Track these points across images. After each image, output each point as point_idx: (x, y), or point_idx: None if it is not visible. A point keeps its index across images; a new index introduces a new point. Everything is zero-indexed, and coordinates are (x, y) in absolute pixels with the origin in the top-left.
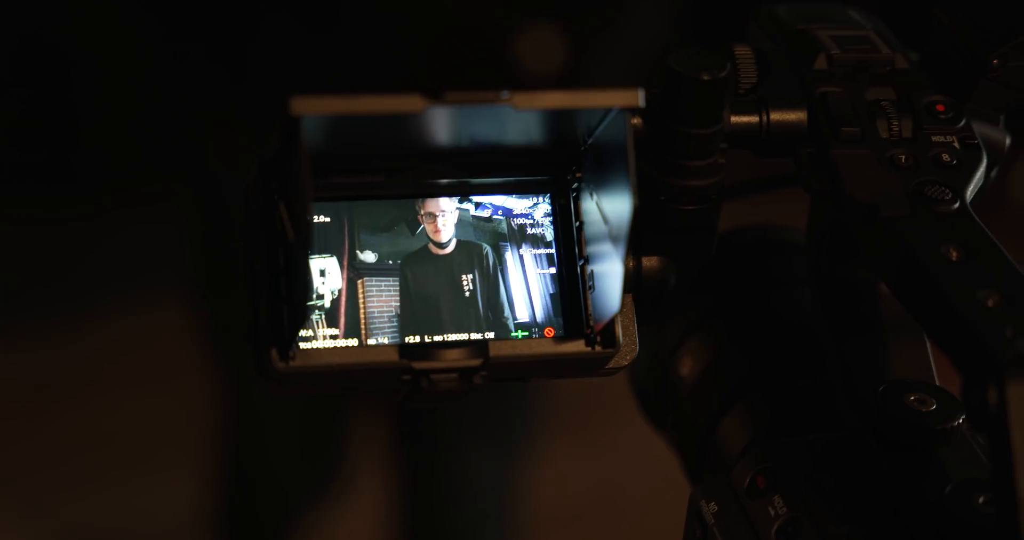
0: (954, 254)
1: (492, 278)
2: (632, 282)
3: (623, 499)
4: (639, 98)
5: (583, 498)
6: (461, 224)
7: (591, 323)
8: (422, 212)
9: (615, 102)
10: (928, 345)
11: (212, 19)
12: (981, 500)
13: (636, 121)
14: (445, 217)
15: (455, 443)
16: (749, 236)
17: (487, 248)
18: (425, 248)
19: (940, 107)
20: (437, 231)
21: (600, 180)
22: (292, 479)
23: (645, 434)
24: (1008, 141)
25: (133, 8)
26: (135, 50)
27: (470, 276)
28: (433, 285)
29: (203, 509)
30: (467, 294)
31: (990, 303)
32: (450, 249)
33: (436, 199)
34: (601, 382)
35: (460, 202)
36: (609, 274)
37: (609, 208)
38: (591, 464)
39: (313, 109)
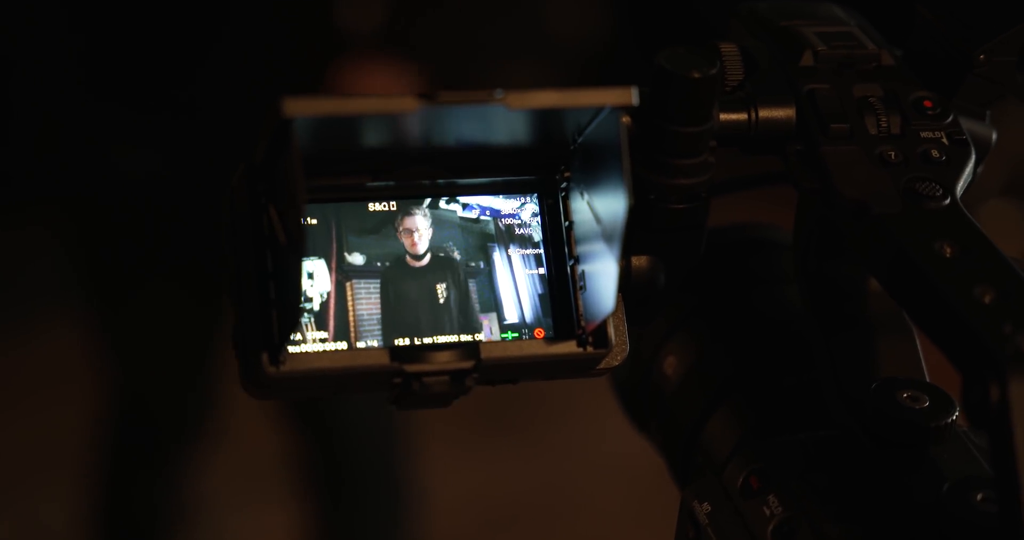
0: (948, 251)
1: (464, 287)
2: (621, 282)
3: (564, 499)
4: (633, 96)
5: (523, 498)
6: (448, 225)
7: (582, 323)
8: (400, 228)
9: (608, 101)
10: (918, 342)
11: (100, 25)
12: (980, 497)
13: (625, 120)
14: (420, 233)
15: (393, 444)
16: (730, 235)
17: (459, 262)
18: (404, 257)
19: (927, 103)
20: (414, 244)
21: (591, 179)
22: (202, 492)
23: (587, 432)
24: (994, 136)
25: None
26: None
27: (443, 285)
28: (414, 293)
29: (93, 523)
30: (441, 300)
31: (987, 299)
32: (425, 262)
33: (413, 216)
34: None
35: (447, 203)
36: (602, 274)
37: (602, 208)
38: (534, 464)
39: (305, 110)
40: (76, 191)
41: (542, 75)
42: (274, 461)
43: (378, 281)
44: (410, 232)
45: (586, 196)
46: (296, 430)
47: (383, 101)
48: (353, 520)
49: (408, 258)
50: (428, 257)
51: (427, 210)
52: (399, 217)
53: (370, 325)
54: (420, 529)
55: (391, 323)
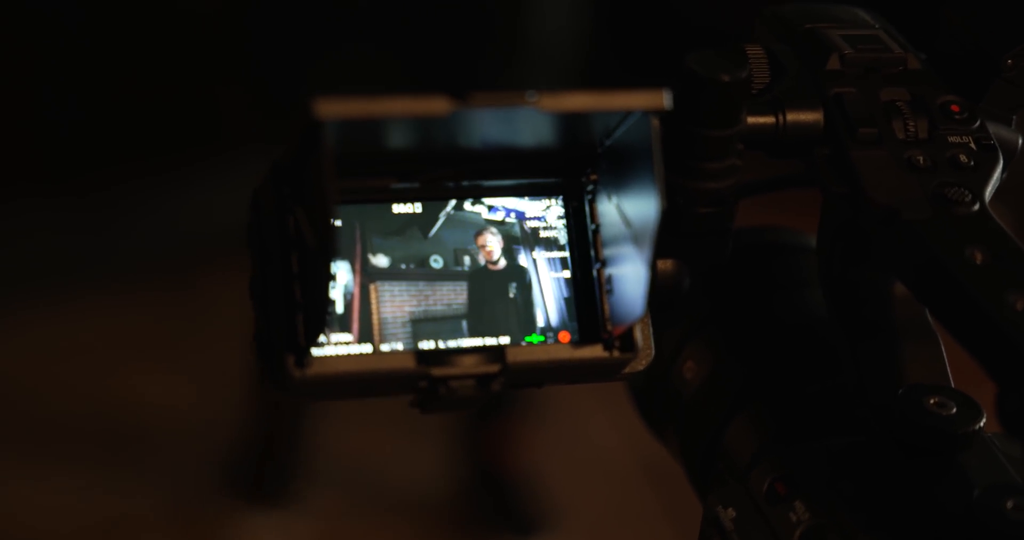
0: (979, 257)
1: (527, 289)
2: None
3: (557, 494)
4: (666, 100)
5: (517, 493)
6: (473, 227)
7: (608, 327)
8: (477, 244)
9: (641, 104)
10: (943, 348)
11: None
12: (1011, 505)
13: (654, 122)
14: (493, 245)
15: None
16: (749, 238)
17: (528, 269)
18: (485, 267)
19: (955, 107)
20: (489, 253)
21: (619, 182)
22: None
23: (583, 428)
24: (1020, 141)
25: None
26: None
27: (514, 284)
28: (491, 293)
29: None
30: (511, 296)
31: (1019, 306)
32: (501, 265)
33: (483, 233)
34: None
35: (472, 205)
36: (631, 278)
37: (631, 211)
38: (528, 459)
39: (338, 112)
40: None
41: (522, 77)
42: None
43: (404, 283)
44: (485, 247)
45: (614, 199)
46: (285, 423)
47: (415, 103)
48: (341, 511)
49: (488, 265)
50: (503, 262)
51: (495, 229)
52: (473, 235)
53: (395, 328)
54: (415, 518)
55: (418, 326)
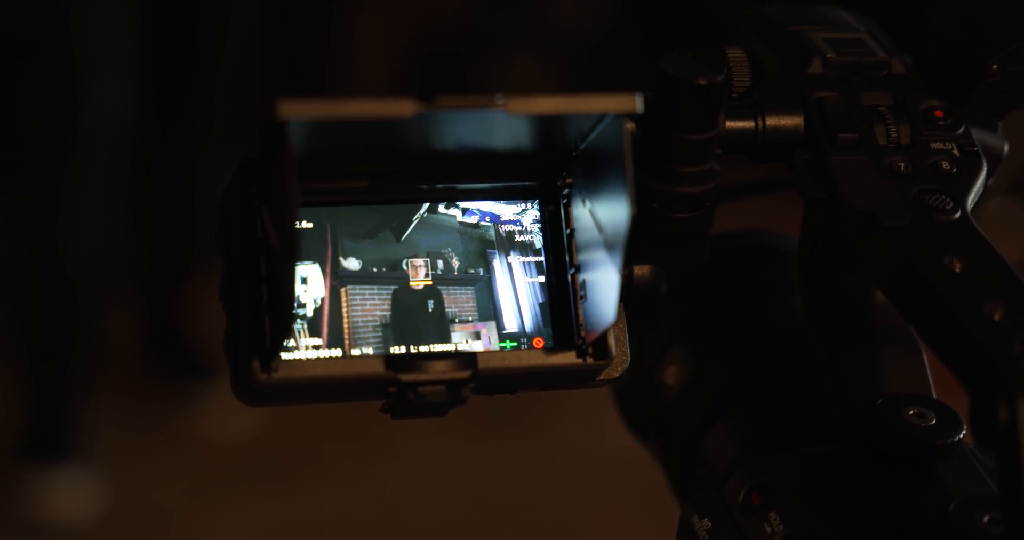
0: (957, 265)
1: (439, 308)
2: (623, 291)
3: (561, 494)
4: (637, 103)
5: (520, 493)
6: (447, 231)
7: (583, 334)
8: (409, 264)
9: (612, 107)
10: (925, 357)
11: None
12: (986, 519)
13: (629, 126)
14: (424, 267)
15: (389, 437)
16: (734, 241)
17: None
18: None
19: (939, 113)
20: (417, 275)
21: (593, 187)
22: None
23: (585, 428)
24: (1006, 148)
25: None
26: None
27: (431, 301)
28: (415, 305)
29: None
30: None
31: (996, 316)
32: (422, 286)
33: (418, 257)
34: None
35: (446, 208)
36: (603, 284)
37: (604, 216)
38: (532, 459)
39: (300, 113)
40: None
41: (548, 68)
42: (264, 454)
43: (376, 287)
44: (415, 267)
45: (588, 203)
46: (289, 425)
47: (380, 104)
48: (346, 512)
49: (411, 282)
50: (422, 285)
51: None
52: (409, 259)
53: (365, 332)
54: (416, 521)
55: (394, 330)
